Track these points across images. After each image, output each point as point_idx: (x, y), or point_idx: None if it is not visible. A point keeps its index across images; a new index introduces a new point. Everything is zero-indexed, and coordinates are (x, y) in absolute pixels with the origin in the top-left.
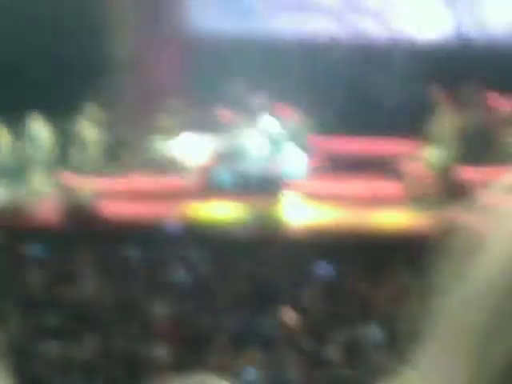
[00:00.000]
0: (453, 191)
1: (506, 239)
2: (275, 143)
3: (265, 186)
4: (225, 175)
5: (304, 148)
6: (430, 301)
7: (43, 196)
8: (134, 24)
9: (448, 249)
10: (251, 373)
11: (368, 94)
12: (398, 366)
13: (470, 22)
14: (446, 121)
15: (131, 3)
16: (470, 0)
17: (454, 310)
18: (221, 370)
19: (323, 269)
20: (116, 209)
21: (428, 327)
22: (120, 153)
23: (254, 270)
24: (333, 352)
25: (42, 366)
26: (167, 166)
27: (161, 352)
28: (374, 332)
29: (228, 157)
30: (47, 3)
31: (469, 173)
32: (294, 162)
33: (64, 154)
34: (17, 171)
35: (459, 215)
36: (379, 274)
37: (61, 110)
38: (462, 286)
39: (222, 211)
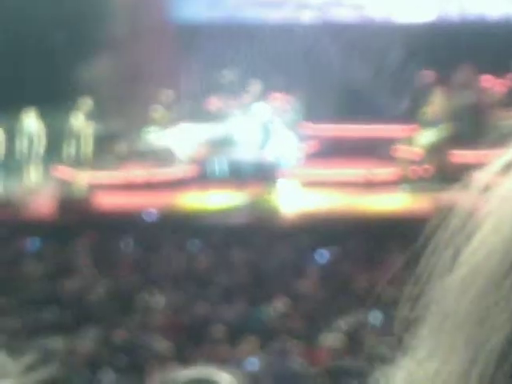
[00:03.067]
0: (445, 173)
1: (493, 223)
2: (268, 131)
3: (258, 174)
4: (219, 165)
5: (297, 134)
6: (424, 285)
7: (38, 190)
8: (126, 14)
9: (443, 231)
10: (253, 362)
11: (360, 79)
12: (396, 353)
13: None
14: (439, 103)
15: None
16: None
17: (444, 295)
18: (220, 360)
19: (319, 256)
20: (110, 201)
21: (423, 313)
22: (114, 145)
23: (250, 258)
24: (333, 339)
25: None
26: (161, 158)
27: (160, 343)
28: (373, 318)
29: (221, 146)
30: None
31: (461, 154)
32: (288, 148)
33: (58, 148)
34: (12, 166)
35: (454, 197)
36: (375, 259)
37: (54, 105)
38: (452, 271)
39: (217, 200)
